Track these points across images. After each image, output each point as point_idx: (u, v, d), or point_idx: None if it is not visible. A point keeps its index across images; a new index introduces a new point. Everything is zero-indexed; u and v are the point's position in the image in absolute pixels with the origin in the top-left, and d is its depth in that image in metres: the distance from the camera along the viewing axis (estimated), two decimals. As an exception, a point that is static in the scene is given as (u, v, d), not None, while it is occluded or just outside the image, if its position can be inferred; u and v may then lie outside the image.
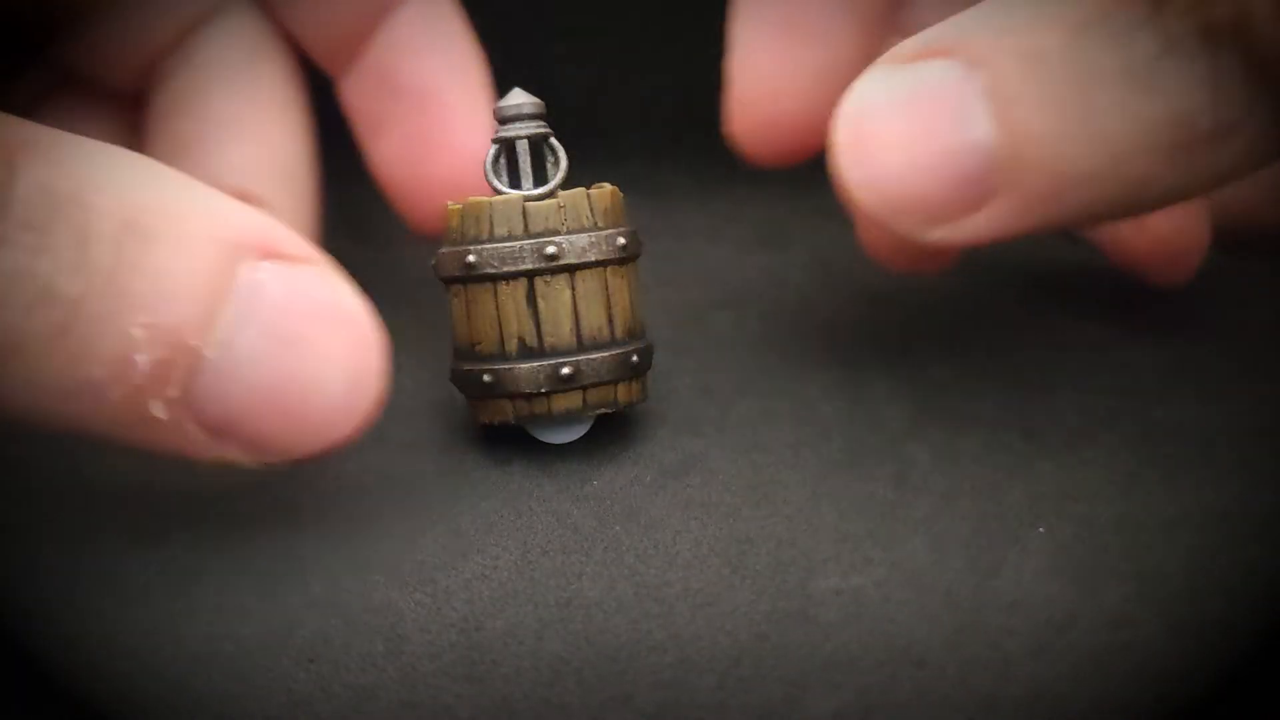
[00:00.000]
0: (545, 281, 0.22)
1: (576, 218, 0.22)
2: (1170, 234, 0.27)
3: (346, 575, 0.20)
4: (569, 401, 0.22)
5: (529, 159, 0.23)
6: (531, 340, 0.22)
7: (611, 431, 0.24)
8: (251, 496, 0.22)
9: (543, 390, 0.22)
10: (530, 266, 0.22)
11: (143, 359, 0.17)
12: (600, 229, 0.23)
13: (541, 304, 0.22)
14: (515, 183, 0.23)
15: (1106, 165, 0.19)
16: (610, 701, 0.17)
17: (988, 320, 0.29)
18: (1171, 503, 0.21)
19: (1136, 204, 0.20)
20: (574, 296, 0.22)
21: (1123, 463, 0.22)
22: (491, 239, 0.22)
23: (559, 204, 0.22)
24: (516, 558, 0.21)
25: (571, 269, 0.22)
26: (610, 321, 0.23)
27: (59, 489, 0.23)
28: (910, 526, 0.21)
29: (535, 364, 0.22)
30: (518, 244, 0.22)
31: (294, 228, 0.20)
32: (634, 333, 0.23)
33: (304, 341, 0.18)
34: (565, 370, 0.22)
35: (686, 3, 0.36)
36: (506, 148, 0.23)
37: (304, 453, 0.19)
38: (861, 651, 0.18)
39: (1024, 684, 0.17)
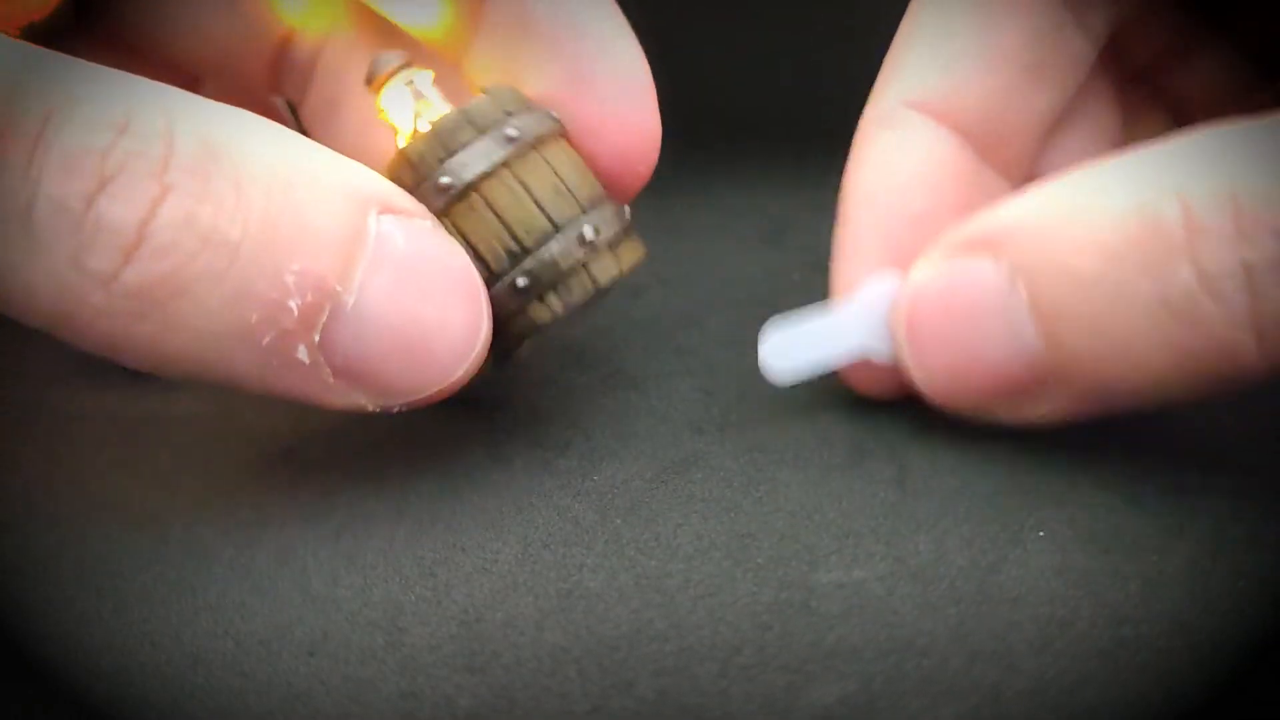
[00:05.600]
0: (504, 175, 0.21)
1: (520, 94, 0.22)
2: None
3: (346, 572, 0.20)
4: (606, 269, 0.22)
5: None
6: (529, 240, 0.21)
7: (612, 429, 0.24)
8: (251, 494, 0.22)
9: (580, 261, 0.21)
10: (502, 157, 0.21)
11: (295, 304, 0.18)
12: (524, 113, 0.22)
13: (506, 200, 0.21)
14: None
15: (1154, 385, 0.19)
16: (611, 690, 0.17)
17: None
18: (1172, 511, 0.21)
19: (1198, 400, 0.20)
20: (525, 186, 0.21)
21: (1122, 474, 0.22)
22: (453, 153, 0.21)
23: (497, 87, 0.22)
24: (517, 551, 0.20)
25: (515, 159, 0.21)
26: (572, 192, 0.22)
27: (60, 492, 0.23)
28: (912, 525, 0.21)
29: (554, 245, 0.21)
30: (481, 144, 0.21)
31: None
32: (598, 196, 0.23)
33: (427, 288, 0.19)
34: (588, 231, 0.21)
35: (686, 4, 0.36)
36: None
37: (424, 394, 0.20)
38: (865, 642, 0.18)
39: (1028, 677, 0.17)
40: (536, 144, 0.22)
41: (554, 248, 0.21)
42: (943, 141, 0.23)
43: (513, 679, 0.17)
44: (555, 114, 0.22)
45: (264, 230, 0.18)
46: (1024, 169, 0.25)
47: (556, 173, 0.22)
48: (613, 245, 0.22)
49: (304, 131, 0.28)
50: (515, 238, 0.21)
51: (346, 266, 0.19)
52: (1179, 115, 0.28)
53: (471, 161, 0.21)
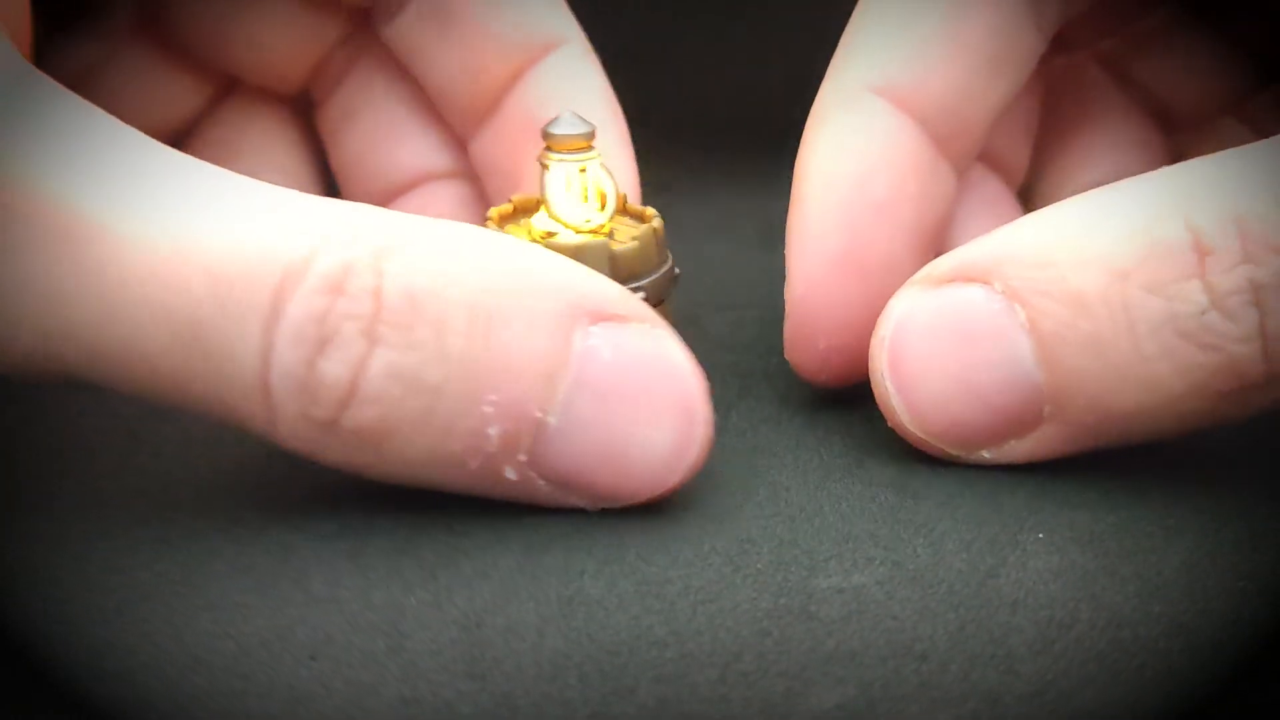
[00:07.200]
0: None
1: (648, 260, 0.23)
2: None
3: (348, 574, 0.20)
4: None
5: (566, 184, 0.23)
6: None
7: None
8: (253, 497, 0.22)
9: None
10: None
11: (494, 431, 0.19)
12: (660, 268, 0.23)
13: None
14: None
15: (1155, 406, 0.19)
16: (612, 696, 0.17)
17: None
18: (1170, 512, 0.21)
19: (1189, 430, 0.20)
20: None
21: (1121, 476, 0.22)
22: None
23: (640, 248, 0.23)
24: (518, 555, 0.20)
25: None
26: None
27: (61, 491, 0.23)
28: (911, 529, 0.21)
29: None
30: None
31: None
32: None
33: (633, 400, 0.19)
34: None
35: (685, 6, 0.36)
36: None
37: (640, 498, 0.20)
38: (864, 647, 0.18)
39: (1028, 680, 0.17)
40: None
41: None
42: (904, 129, 0.23)
43: (513, 686, 0.17)
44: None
45: (463, 369, 0.18)
46: (969, 161, 0.25)
47: None
48: None
49: (314, 131, 0.29)
50: None
51: (548, 389, 0.19)
52: (1163, 116, 0.28)
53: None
